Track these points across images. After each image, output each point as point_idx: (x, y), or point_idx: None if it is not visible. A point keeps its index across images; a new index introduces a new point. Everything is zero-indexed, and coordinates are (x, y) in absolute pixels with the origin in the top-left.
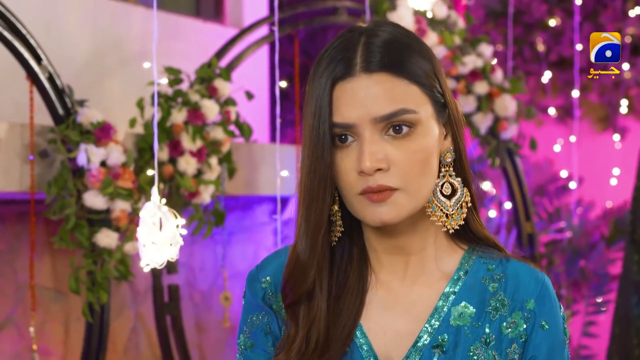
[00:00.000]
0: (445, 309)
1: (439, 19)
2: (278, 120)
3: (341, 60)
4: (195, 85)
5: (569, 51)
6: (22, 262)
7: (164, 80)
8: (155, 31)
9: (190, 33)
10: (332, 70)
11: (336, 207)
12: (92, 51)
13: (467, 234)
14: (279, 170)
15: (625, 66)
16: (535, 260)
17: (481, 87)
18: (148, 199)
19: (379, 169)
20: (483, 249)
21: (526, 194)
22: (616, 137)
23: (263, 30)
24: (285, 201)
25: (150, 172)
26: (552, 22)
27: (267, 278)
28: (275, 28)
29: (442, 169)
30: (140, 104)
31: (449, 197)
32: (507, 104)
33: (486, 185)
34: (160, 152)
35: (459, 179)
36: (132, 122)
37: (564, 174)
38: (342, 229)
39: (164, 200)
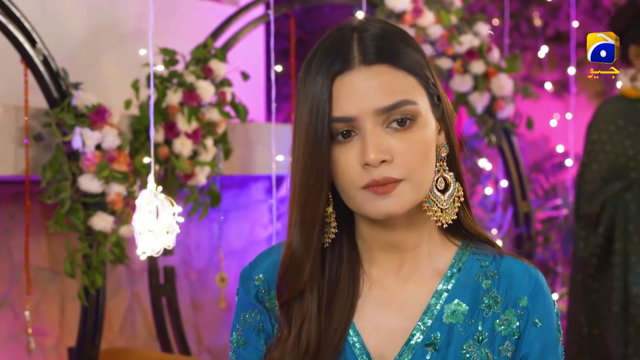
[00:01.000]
0: (438, 307)
1: None
2: (274, 105)
3: (337, 55)
4: (190, 66)
5: (565, 26)
6: (17, 243)
7: (160, 67)
8: (152, 11)
9: (187, 11)
10: (329, 65)
11: (330, 209)
12: (88, 30)
13: (460, 230)
14: (274, 151)
15: None
16: (532, 238)
17: (478, 67)
18: (143, 181)
19: (384, 161)
20: (477, 245)
21: (522, 173)
22: None
23: (259, 10)
24: (280, 180)
25: (146, 160)
26: None
27: (260, 276)
28: (271, 12)
29: (437, 164)
30: (135, 86)
31: (442, 192)
32: (504, 84)
33: (482, 162)
34: (156, 134)
35: (452, 174)
36: (128, 104)
37: (560, 149)
38: (336, 231)
39: (160, 188)
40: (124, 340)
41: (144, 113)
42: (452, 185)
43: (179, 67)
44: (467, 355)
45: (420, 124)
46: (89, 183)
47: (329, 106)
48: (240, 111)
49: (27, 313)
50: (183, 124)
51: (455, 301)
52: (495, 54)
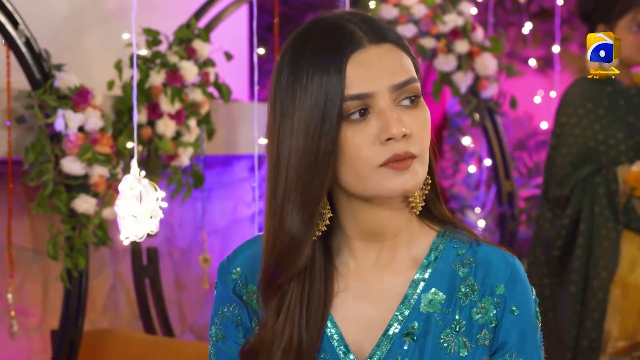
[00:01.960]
0: (415, 297)
1: None
2: (256, 88)
3: (341, 38)
4: (173, 47)
5: (549, 2)
6: (0, 222)
7: (143, 52)
8: None
9: None
10: (336, 47)
11: (325, 200)
12: (70, 10)
13: (437, 218)
14: (257, 130)
15: None
16: (515, 218)
17: (462, 46)
18: (126, 163)
19: (405, 135)
20: (454, 231)
21: (506, 152)
22: None
23: None
24: (263, 159)
25: (129, 145)
26: None
27: (238, 269)
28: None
29: None
30: (118, 66)
31: None
32: (488, 63)
33: (466, 140)
34: (139, 115)
35: None
36: (110, 85)
37: (544, 126)
38: (328, 223)
39: (143, 173)
40: (107, 320)
41: (127, 94)
42: None
43: (162, 47)
44: (445, 345)
45: (423, 103)
46: (72, 165)
47: (342, 86)
48: (224, 92)
49: (9, 296)
50: (166, 105)
51: (432, 290)
52: (479, 34)
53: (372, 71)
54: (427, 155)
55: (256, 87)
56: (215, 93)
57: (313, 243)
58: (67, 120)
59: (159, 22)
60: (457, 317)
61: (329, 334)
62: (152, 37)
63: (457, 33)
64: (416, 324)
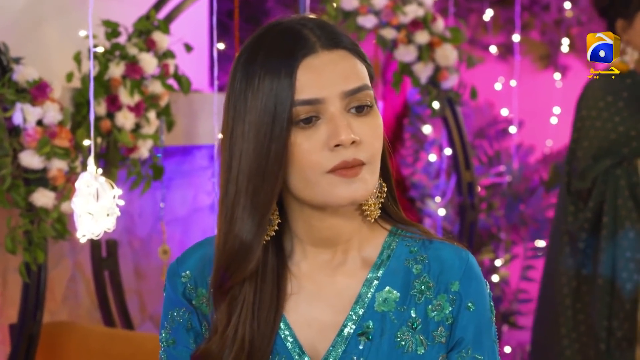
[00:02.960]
0: (369, 296)
1: None
2: (216, 83)
3: (294, 42)
4: (133, 39)
5: None
6: None
7: (100, 49)
8: None
9: None
10: (288, 51)
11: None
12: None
13: (391, 219)
14: (217, 120)
15: (567, 5)
16: (475, 208)
17: (422, 37)
18: (85, 156)
19: (354, 142)
20: (406, 229)
21: (466, 142)
22: (557, 75)
23: None
24: None
25: (86, 142)
26: None
27: (187, 272)
28: None
29: None
30: (77, 58)
31: None
32: (448, 54)
33: (427, 129)
34: (98, 107)
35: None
36: (69, 77)
37: (504, 112)
38: (276, 228)
39: (100, 171)
40: (66, 310)
41: (85, 86)
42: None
43: (122, 39)
44: (402, 343)
45: (376, 110)
46: (30, 159)
47: (292, 91)
48: (183, 83)
49: None
50: (125, 97)
51: (387, 289)
52: (439, 24)
53: (323, 77)
54: (378, 162)
55: (216, 81)
56: (175, 85)
57: (265, 245)
58: (25, 114)
59: (118, 13)
60: (413, 314)
61: (283, 335)
62: (111, 29)
63: (418, 24)
64: (371, 323)
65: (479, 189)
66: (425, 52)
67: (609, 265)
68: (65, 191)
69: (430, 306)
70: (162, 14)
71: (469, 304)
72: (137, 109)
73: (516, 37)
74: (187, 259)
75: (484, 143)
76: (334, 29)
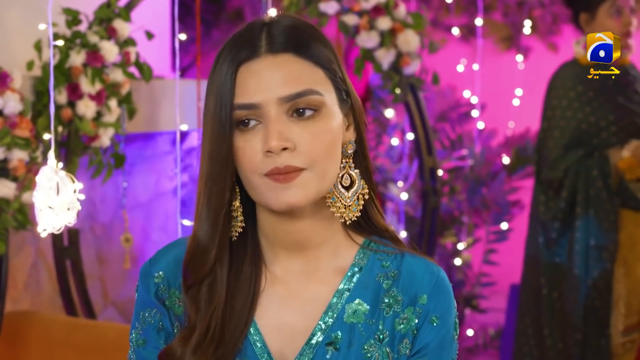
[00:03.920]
0: (339, 306)
1: None
2: (177, 73)
3: (244, 44)
4: (94, 27)
5: None
6: None
7: (60, 42)
8: None
9: None
10: (236, 53)
11: (237, 203)
12: None
13: (366, 226)
14: (179, 106)
15: None
16: (437, 193)
17: (384, 23)
18: (46, 146)
19: (286, 148)
20: (379, 243)
21: (428, 128)
22: (519, 57)
23: None
24: (185, 134)
25: (46, 136)
26: None
27: (160, 273)
28: None
29: (343, 160)
30: (37, 46)
31: (347, 189)
32: (410, 40)
33: (389, 113)
34: (59, 96)
35: (357, 171)
36: (30, 65)
37: (466, 94)
38: (243, 224)
39: (61, 165)
40: (28, 298)
41: (46, 74)
42: (357, 182)
43: (82, 27)
44: (369, 355)
45: (325, 114)
46: None
47: (232, 94)
48: (145, 71)
49: None
50: (86, 86)
51: (357, 301)
52: (401, 10)
53: (261, 81)
54: (327, 166)
55: (178, 70)
56: (137, 73)
57: (238, 242)
58: None
59: (79, 1)
60: (380, 327)
61: (252, 340)
62: (72, 17)
63: (380, 10)
64: (339, 334)
65: (442, 172)
66: (388, 38)
67: (584, 256)
68: (26, 181)
69: (397, 319)
70: (123, 1)
71: (434, 318)
72: (98, 98)
73: (479, 21)
74: (160, 260)
75: (446, 126)
76: (294, 31)
